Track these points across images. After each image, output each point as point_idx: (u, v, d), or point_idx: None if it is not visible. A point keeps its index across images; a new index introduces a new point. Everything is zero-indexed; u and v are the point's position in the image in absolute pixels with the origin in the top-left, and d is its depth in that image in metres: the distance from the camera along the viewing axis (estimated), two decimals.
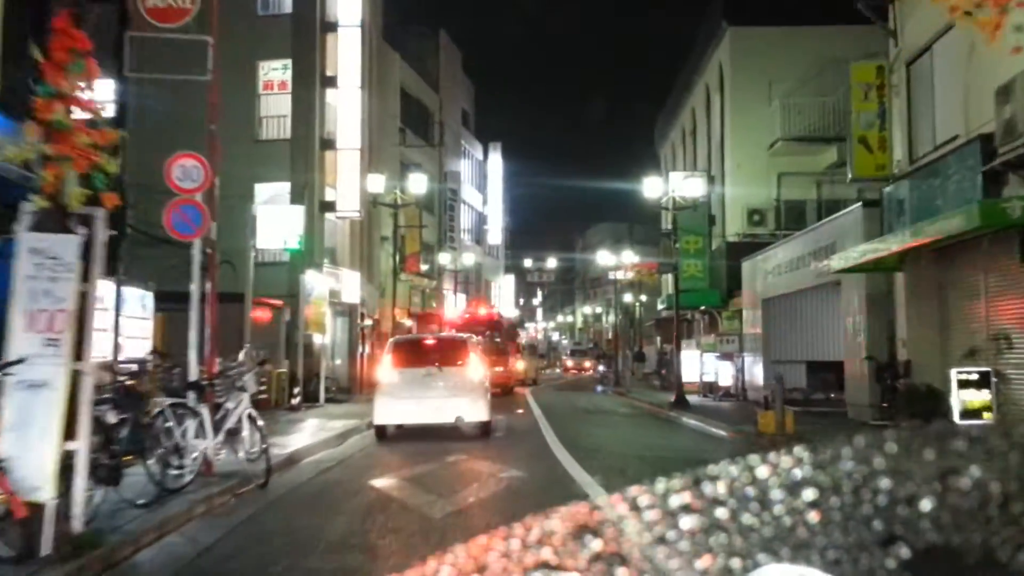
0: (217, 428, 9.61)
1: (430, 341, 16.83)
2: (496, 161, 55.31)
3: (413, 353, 15.86)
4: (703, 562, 0.79)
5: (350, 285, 29.12)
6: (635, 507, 0.81)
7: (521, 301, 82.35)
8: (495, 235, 55.25)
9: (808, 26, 27.84)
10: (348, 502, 8.75)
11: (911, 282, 15.39)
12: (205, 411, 9.44)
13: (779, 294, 23.31)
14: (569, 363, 69.47)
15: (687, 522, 0.82)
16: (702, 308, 29.47)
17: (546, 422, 18.82)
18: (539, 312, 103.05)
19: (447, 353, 15.75)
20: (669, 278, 42.19)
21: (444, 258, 41.38)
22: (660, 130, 44.80)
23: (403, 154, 39.78)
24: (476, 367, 15.57)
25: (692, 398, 25.58)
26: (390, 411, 15.10)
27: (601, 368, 41.07)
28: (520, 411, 22.65)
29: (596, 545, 0.79)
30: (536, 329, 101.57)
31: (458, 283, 48.40)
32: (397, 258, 37.95)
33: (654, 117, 45.45)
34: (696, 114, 35.18)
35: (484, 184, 54.89)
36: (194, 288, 10.10)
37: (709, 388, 27.80)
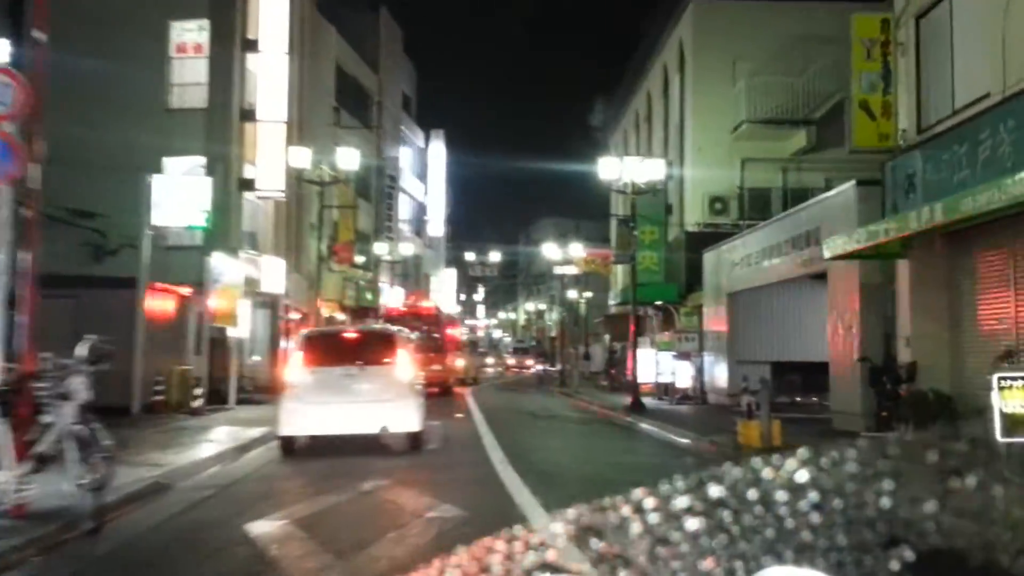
0: (24, 452, 6.72)
1: (350, 335, 14.00)
2: (438, 149, 52.43)
3: (329, 349, 13.02)
4: (707, 564, 0.83)
5: (272, 274, 26.09)
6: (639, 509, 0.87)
7: (462, 296, 79.52)
8: (436, 227, 52.38)
9: (776, 1, 25.72)
10: (200, 568, 5.95)
11: (918, 271, 13.06)
12: (2, 429, 6.56)
13: (747, 288, 20.96)
14: (511, 361, 66.86)
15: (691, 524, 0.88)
16: (657, 303, 27.08)
17: (488, 430, 16.15)
18: (481, 309, 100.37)
19: (371, 349, 12.92)
20: (620, 272, 39.78)
21: (381, 248, 38.39)
22: (611, 117, 42.38)
23: (337, 135, 36.71)
24: (406, 366, 12.80)
25: (647, 401, 23.17)
26: (299, 419, 12.25)
27: (542, 367, 37.65)
28: (459, 415, 19.94)
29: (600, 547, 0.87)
30: (477, 326, 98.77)
31: (396, 276, 45.40)
32: (325, 245, 34.96)
33: (606, 104, 43.02)
34: (652, 98, 32.80)
35: (425, 173, 51.98)
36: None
37: (665, 390, 25.42)
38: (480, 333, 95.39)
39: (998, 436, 10.00)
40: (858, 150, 14.11)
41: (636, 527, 1.05)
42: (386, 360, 12.70)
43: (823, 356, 21.36)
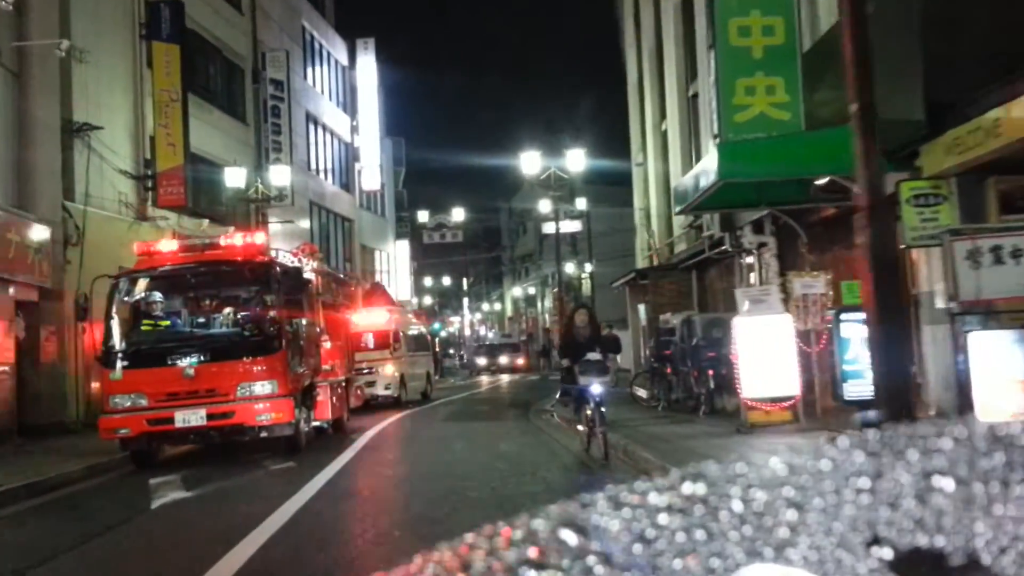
0: None
1: None
2: (368, 66, 35.26)
3: None
4: (684, 561, 0.69)
5: None
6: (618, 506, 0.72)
7: (428, 282, 62.10)
8: (372, 178, 35.15)
9: None
10: None
11: None
12: None
13: None
14: (502, 360, 46.73)
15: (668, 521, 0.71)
16: (821, 182, 9.66)
17: None
18: (465, 301, 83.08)
19: None
20: (650, 172, 21.61)
21: (235, 178, 21.16)
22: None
23: None
24: None
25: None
26: None
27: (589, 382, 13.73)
28: None
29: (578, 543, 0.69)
30: (463, 322, 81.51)
31: (312, 242, 28.02)
32: (128, 172, 18.22)
33: None
34: None
35: (353, 104, 34.94)
36: None
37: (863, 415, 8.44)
38: (466, 331, 78.19)
39: None
40: None
41: None
42: None
43: None
